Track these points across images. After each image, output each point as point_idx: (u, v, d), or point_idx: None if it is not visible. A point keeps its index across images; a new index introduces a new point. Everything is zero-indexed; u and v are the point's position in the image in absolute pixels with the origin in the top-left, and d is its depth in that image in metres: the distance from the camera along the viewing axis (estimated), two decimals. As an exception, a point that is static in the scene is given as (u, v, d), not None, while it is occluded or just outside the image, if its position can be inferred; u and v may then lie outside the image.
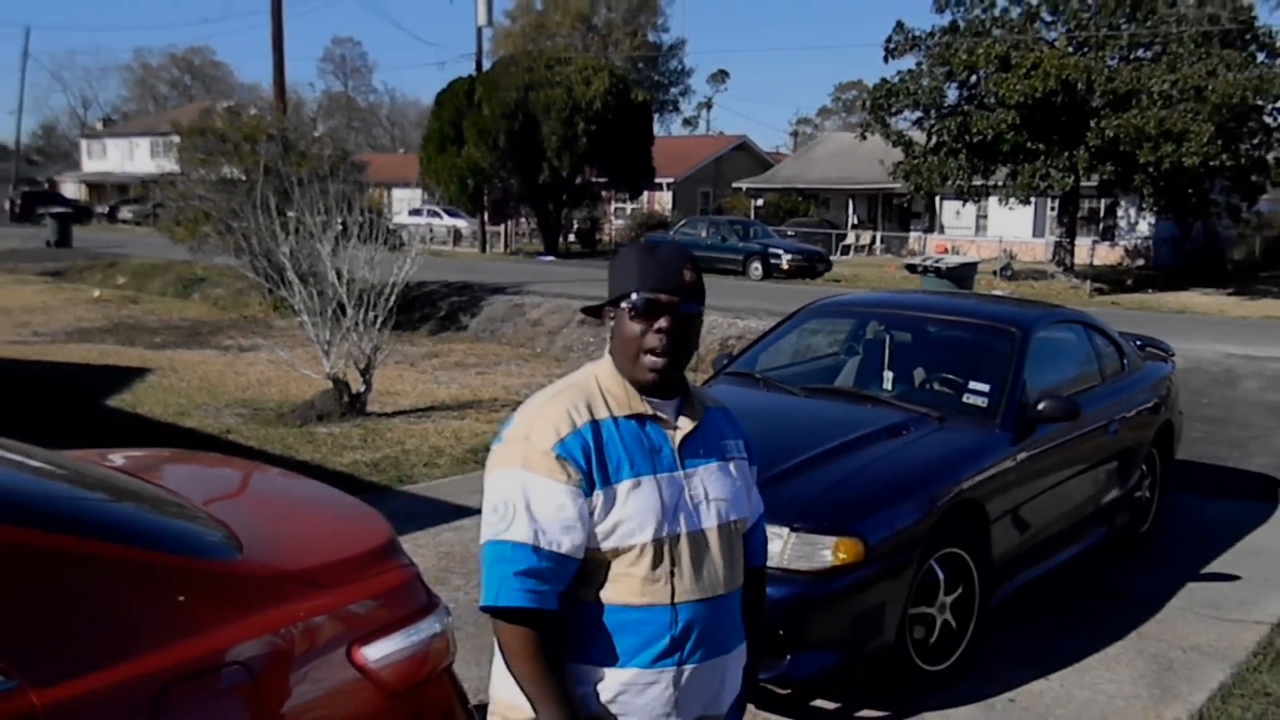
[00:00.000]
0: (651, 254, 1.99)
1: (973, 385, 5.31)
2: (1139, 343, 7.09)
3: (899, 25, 26.23)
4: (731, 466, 2.08)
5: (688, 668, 1.97)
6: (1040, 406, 5.06)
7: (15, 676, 1.87)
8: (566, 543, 1.89)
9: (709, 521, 2.00)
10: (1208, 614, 5.35)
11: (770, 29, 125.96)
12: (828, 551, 4.01)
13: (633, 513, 1.92)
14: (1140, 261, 32.39)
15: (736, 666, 2.11)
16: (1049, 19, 25.92)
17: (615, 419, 1.96)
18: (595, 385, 2.00)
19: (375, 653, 2.44)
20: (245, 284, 14.81)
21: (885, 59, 26.64)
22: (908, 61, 26.45)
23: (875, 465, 4.57)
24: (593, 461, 1.91)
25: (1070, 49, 24.14)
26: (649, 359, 1.95)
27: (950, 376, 5.59)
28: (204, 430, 8.77)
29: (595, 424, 1.94)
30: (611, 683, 1.96)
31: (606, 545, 1.92)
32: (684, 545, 1.96)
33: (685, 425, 2.02)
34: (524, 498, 1.89)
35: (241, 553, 2.44)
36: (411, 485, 7.35)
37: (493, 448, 2.01)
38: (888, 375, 5.79)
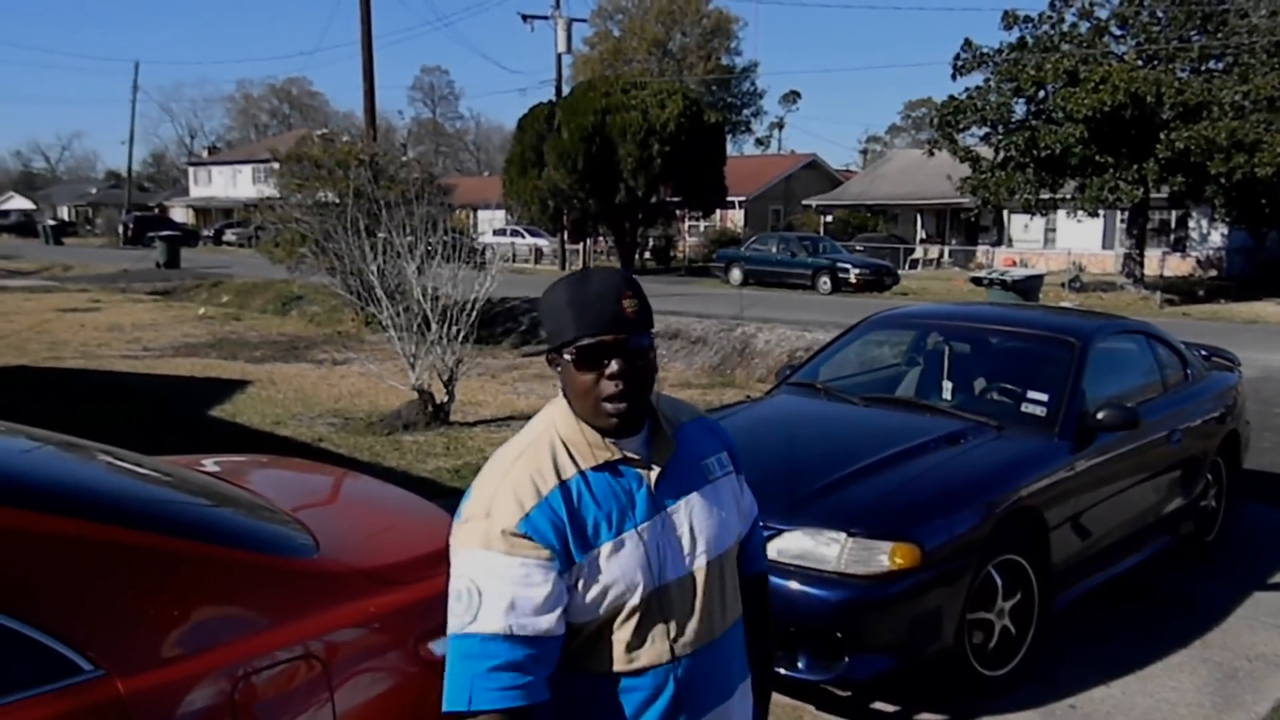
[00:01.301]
0: (582, 288, 1.74)
1: (1031, 395, 5.33)
2: (1204, 353, 7.03)
3: (967, 43, 26.21)
4: (716, 488, 1.89)
5: None
6: (1100, 416, 5.07)
7: (102, 665, 2.01)
8: (544, 622, 1.66)
9: (698, 562, 1.81)
10: (1274, 624, 5.29)
11: (841, 50, 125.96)
12: (884, 556, 4.07)
13: (619, 575, 1.72)
14: (1213, 272, 31.73)
15: (744, 704, 1.94)
16: (1118, 33, 25.72)
17: (583, 474, 1.75)
18: (556, 437, 1.78)
19: (442, 648, 2.56)
20: (339, 301, 15.32)
21: (953, 76, 26.68)
22: (975, 78, 26.49)
23: (932, 473, 4.62)
24: (566, 532, 1.69)
25: (1139, 62, 23.86)
26: (608, 406, 1.73)
27: (1009, 386, 5.61)
28: (298, 439, 9.13)
29: (564, 486, 1.73)
30: None
31: (599, 615, 1.73)
32: (673, 594, 1.77)
33: (659, 461, 1.81)
34: (489, 583, 1.66)
35: (319, 552, 2.60)
36: (492, 490, 7.54)
37: (453, 526, 1.77)
38: (947, 385, 5.83)
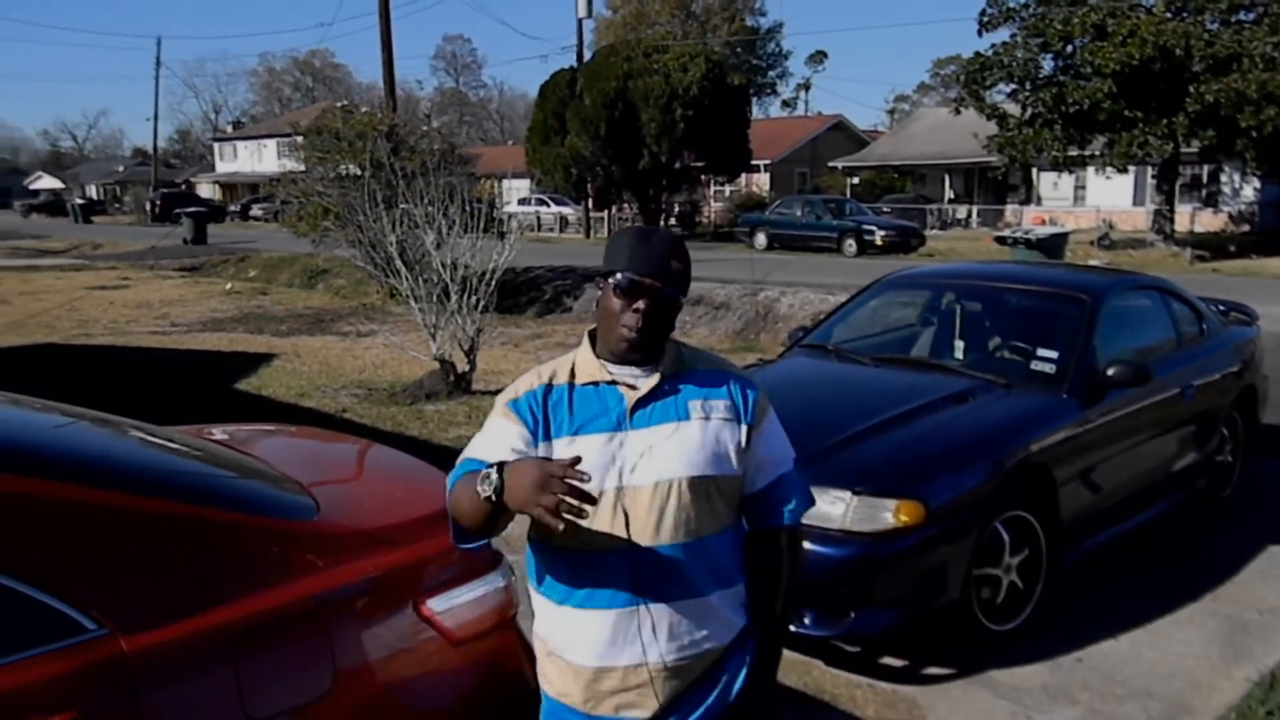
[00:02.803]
0: (644, 240, 2.14)
1: (1041, 352, 5.33)
2: (1222, 308, 6.97)
3: (993, -2, 25.74)
4: (689, 425, 2.13)
5: (640, 608, 2.09)
6: (1110, 372, 5.06)
7: (106, 625, 2.09)
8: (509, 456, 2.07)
9: (643, 479, 2.08)
10: (1288, 577, 5.29)
11: (868, 8, 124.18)
12: (889, 514, 4.11)
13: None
14: (1245, 227, 31.27)
15: (725, 617, 2.17)
16: (1147, -15, 25.16)
17: (572, 385, 2.15)
18: (572, 358, 2.20)
19: (440, 605, 2.64)
20: (363, 274, 15.47)
21: (979, 32, 26.24)
22: (1002, 34, 26.02)
23: (938, 430, 4.64)
24: (538, 419, 2.12)
25: (1168, 14, 23.41)
26: (622, 332, 2.10)
27: (1020, 344, 5.61)
28: (322, 410, 9.26)
29: (548, 388, 2.15)
30: (553, 615, 2.17)
31: None
32: (628, 497, 2.08)
33: (642, 388, 2.13)
34: (485, 432, 2.16)
35: (319, 514, 2.67)
36: (511, 457, 7.63)
37: None
38: (959, 344, 5.83)
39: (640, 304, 2.08)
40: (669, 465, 2.09)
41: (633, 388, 2.13)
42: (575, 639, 2.14)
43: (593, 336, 2.21)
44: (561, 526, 1.81)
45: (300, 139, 18.66)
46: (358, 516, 2.77)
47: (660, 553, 2.08)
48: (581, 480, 1.83)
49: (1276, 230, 28.67)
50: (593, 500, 1.87)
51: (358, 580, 2.54)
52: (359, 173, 15.20)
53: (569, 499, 1.81)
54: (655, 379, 2.14)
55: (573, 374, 2.17)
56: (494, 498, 1.91)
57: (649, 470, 2.09)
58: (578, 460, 1.87)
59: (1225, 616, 4.83)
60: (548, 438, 2.12)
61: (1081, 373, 5.10)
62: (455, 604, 2.67)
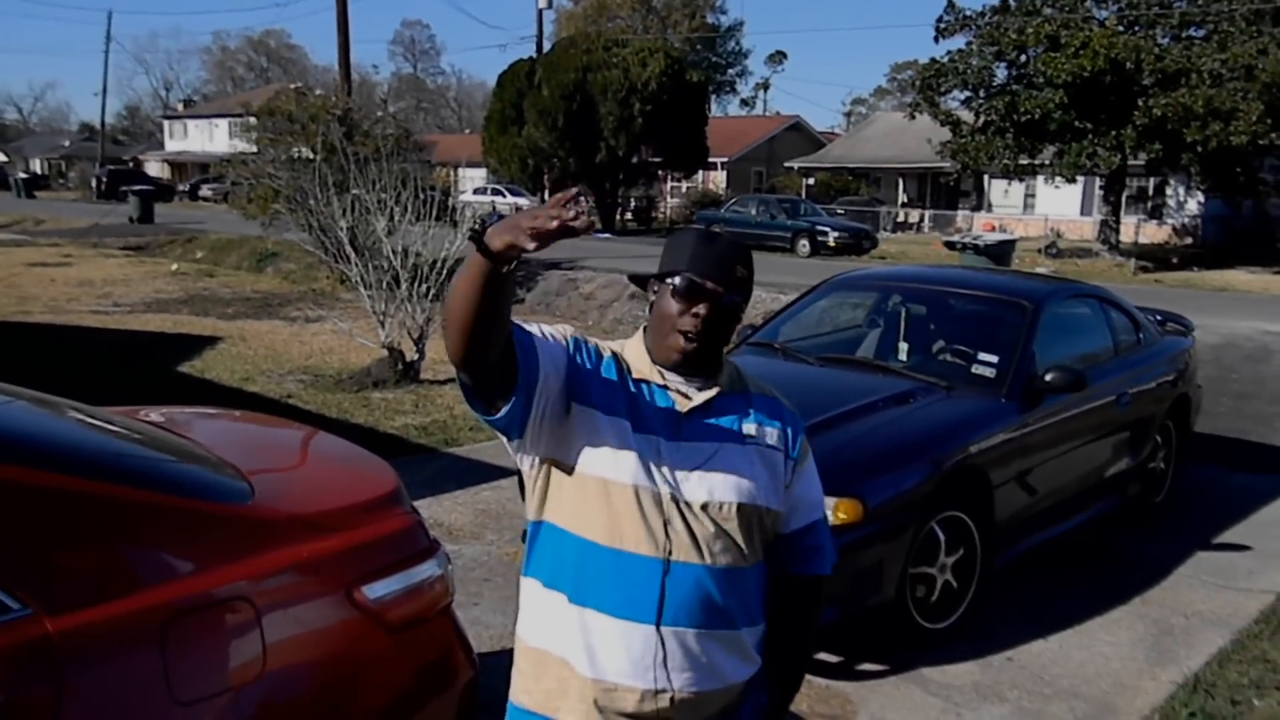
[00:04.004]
0: (709, 242, 1.98)
1: (982, 356, 5.41)
2: (1159, 318, 7.12)
3: (950, 4, 26.09)
4: (745, 450, 1.99)
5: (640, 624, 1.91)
6: (1047, 377, 5.15)
7: (30, 605, 2.06)
8: (551, 338, 1.95)
9: (693, 495, 1.93)
10: (1214, 582, 5.42)
11: (828, 10, 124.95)
12: (828, 512, 4.14)
13: (604, 445, 1.91)
14: (1188, 240, 31.94)
15: (735, 646, 1.99)
16: (1101, -1, 25.61)
17: (626, 373, 1.99)
18: (618, 346, 2.05)
19: (374, 592, 2.62)
20: (314, 259, 15.34)
21: (936, 39, 26.57)
22: (958, 41, 26.36)
23: (878, 431, 4.70)
24: (585, 368, 1.95)
25: (1120, 28, 23.84)
26: (677, 339, 1.94)
27: (962, 348, 5.68)
28: (266, 395, 9.16)
29: (615, 358, 2.00)
30: (559, 613, 1.96)
31: (555, 455, 1.95)
32: (671, 508, 1.92)
33: (696, 399, 1.97)
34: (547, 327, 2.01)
35: (254, 497, 2.64)
36: (456, 448, 7.65)
37: None
38: (903, 346, 5.90)
39: (700, 309, 1.92)
40: (721, 486, 1.94)
41: (686, 397, 1.98)
42: (588, 645, 1.93)
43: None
44: (556, 227, 1.60)
45: (253, 120, 18.56)
46: (293, 502, 2.75)
47: (699, 574, 1.92)
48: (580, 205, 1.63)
49: (1218, 244, 29.30)
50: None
51: (290, 565, 2.52)
52: (311, 156, 15.10)
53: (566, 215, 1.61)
54: (712, 392, 1.98)
55: (625, 365, 2.02)
56: (480, 236, 1.68)
57: (700, 487, 1.93)
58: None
59: (1152, 620, 4.94)
60: (586, 400, 1.93)
61: (1020, 377, 5.19)
62: (390, 591, 2.65)
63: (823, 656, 4.45)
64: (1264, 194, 25.59)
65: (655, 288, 1.98)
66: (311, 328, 13.50)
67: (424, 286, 9.79)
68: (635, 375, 1.99)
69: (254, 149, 17.94)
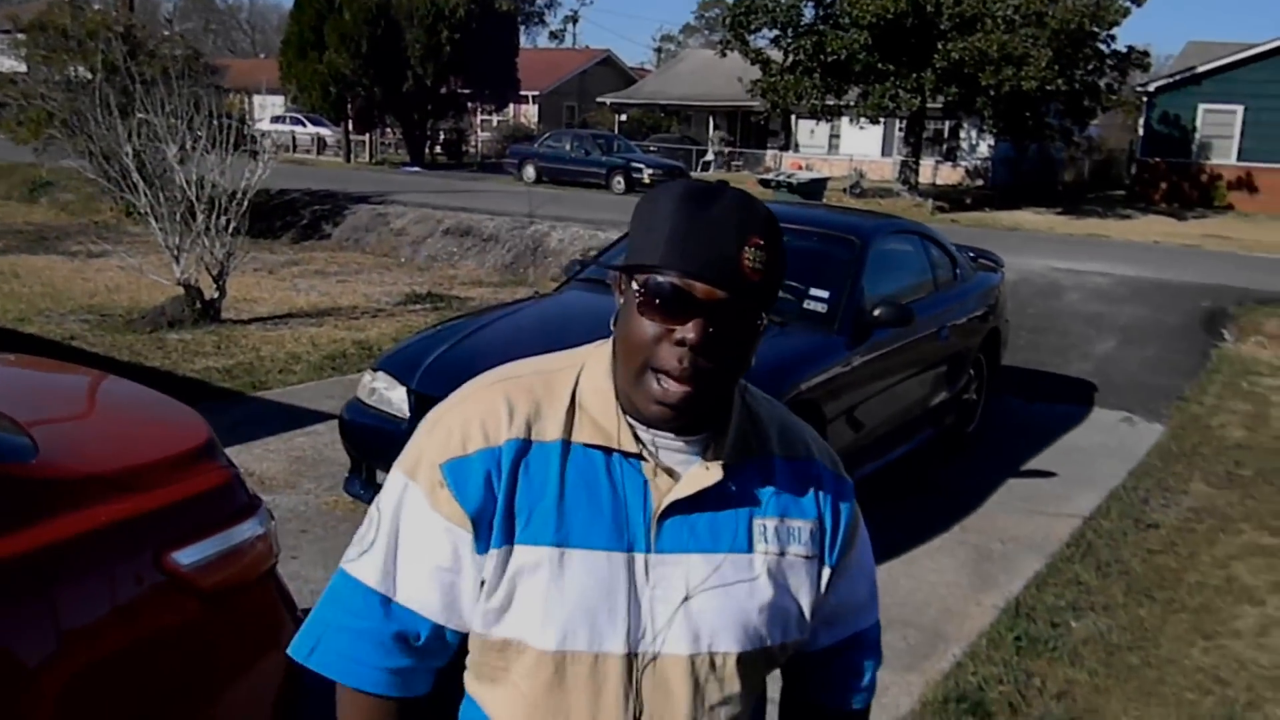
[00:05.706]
0: (699, 204, 1.18)
1: (813, 292, 5.40)
2: (971, 254, 7.35)
3: (759, -62, 26.13)
4: (761, 567, 1.28)
5: None
6: (876, 313, 5.21)
7: None
8: (436, 604, 1.25)
9: (673, 646, 1.24)
10: (1025, 508, 5.66)
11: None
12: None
13: (537, 597, 1.21)
14: (980, 182, 33.49)
15: None
16: (905, -62, 26.18)
17: (567, 445, 1.24)
18: (572, 383, 1.28)
19: (188, 557, 2.35)
20: (95, 188, 14.25)
21: (744, -27, 26.55)
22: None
23: (715, 368, 4.62)
24: (496, 504, 1.21)
25: (922, -30, 24.50)
26: (657, 385, 1.19)
27: (794, 284, 5.66)
28: (46, 336, 8.48)
29: (525, 444, 1.23)
30: None
31: (494, 633, 1.24)
32: (636, 671, 1.23)
33: (686, 483, 1.24)
34: (394, 520, 1.26)
35: (38, 455, 2.31)
36: (265, 391, 7.23)
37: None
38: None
39: (689, 332, 1.16)
40: (713, 629, 1.25)
41: (670, 473, 1.25)
42: None
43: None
44: None
45: (22, 35, 17.08)
46: (87, 458, 2.43)
47: None
48: None
49: (1006, 185, 30.84)
50: None
51: (87, 530, 2.21)
52: (90, 76, 14.11)
53: None
54: (712, 473, 1.25)
55: (571, 419, 1.25)
56: None
57: (682, 633, 1.24)
58: None
59: (972, 546, 5.11)
60: (508, 540, 1.21)
61: (850, 312, 5.22)
62: (205, 556, 2.39)
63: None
64: (1049, 137, 26.99)
65: (621, 289, 1.24)
66: (95, 263, 12.60)
67: (223, 219, 9.30)
68: (588, 438, 1.24)
69: (24, 67, 16.48)
